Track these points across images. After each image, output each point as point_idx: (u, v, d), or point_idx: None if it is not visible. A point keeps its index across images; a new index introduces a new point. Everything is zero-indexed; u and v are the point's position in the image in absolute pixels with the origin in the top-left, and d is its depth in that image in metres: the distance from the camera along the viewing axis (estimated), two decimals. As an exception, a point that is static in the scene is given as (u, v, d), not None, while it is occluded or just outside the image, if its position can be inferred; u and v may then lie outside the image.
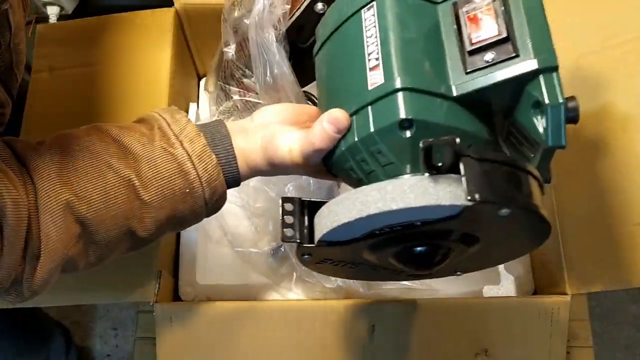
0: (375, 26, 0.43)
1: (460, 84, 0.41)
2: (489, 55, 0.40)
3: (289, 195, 0.75)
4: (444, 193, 0.37)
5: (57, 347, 1.10)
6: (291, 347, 0.70)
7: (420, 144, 0.37)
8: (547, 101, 0.38)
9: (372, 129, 0.42)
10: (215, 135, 0.50)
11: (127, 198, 0.46)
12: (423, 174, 0.38)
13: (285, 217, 0.46)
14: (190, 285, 0.78)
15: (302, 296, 0.78)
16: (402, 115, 0.40)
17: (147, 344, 0.75)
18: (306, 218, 0.47)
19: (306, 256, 0.47)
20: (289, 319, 0.70)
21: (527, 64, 0.38)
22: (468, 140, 0.40)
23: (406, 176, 0.42)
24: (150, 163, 0.47)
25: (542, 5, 0.40)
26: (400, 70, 0.41)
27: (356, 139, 0.44)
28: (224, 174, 0.50)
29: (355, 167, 0.46)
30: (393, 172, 0.43)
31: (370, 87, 0.42)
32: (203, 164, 0.48)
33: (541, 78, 0.38)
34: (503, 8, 0.40)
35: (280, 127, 0.50)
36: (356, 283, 0.75)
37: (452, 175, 0.37)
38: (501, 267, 0.79)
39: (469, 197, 0.35)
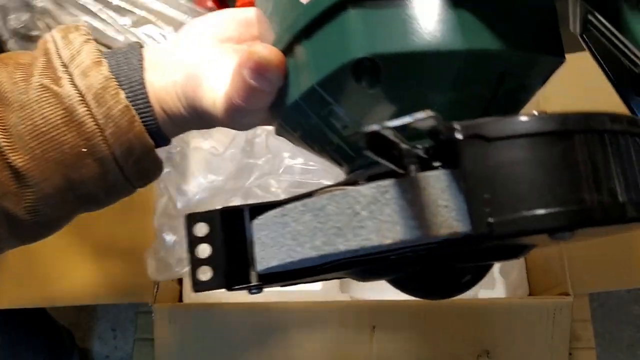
0: None
1: None
2: None
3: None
4: (430, 216, 0.23)
5: (62, 350, 1.10)
6: (291, 348, 0.70)
7: (368, 131, 0.21)
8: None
9: (314, 81, 0.27)
10: (122, 68, 0.34)
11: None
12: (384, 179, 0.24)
13: (194, 249, 0.32)
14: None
15: (302, 297, 0.77)
16: (356, 52, 0.26)
17: (146, 345, 0.75)
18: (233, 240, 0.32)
19: (254, 290, 0.33)
20: (289, 320, 0.70)
21: None
22: (494, 65, 0.27)
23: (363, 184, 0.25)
24: (23, 110, 0.32)
25: None
26: None
27: (297, 97, 0.29)
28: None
29: (309, 133, 0.32)
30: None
31: (305, 1, 0.27)
32: (105, 108, 0.32)
33: None
34: None
35: (209, 63, 0.34)
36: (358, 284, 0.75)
37: (441, 172, 0.24)
38: (495, 270, 0.78)
39: (472, 229, 0.23)
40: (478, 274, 0.33)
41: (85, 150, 0.33)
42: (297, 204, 0.25)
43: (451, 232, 0.23)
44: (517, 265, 0.79)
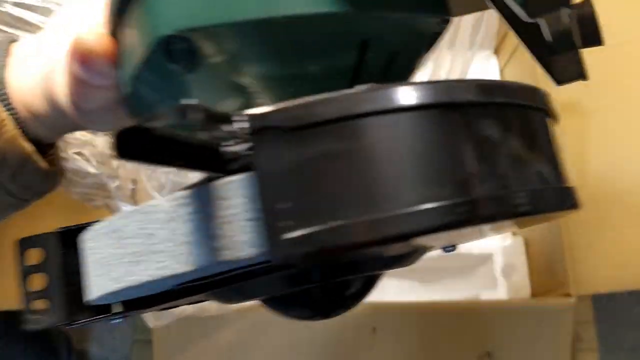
0: None
1: None
2: None
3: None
4: (229, 234, 0.19)
5: (60, 352, 1.09)
6: (290, 349, 0.69)
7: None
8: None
9: (131, 68, 0.24)
10: None
11: None
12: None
13: (25, 281, 0.28)
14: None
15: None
16: (162, 29, 0.22)
17: (144, 346, 0.74)
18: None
19: (114, 319, 0.28)
20: (288, 322, 0.69)
21: None
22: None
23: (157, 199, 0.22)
24: None
25: None
26: None
27: (129, 88, 0.25)
28: None
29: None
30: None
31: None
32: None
33: None
34: None
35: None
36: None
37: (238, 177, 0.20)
38: (497, 271, 0.78)
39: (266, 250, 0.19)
40: (366, 284, 0.28)
41: None
42: (101, 223, 0.22)
43: (245, 255, 0.18)
44: (519, 267, 0.79)
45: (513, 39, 0.65)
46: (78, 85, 0.25)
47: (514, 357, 0.69)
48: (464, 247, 0.69)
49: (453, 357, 0.70)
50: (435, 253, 0.34)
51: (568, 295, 0.69)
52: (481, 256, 0.75)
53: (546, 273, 0.77)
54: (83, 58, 0.24)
